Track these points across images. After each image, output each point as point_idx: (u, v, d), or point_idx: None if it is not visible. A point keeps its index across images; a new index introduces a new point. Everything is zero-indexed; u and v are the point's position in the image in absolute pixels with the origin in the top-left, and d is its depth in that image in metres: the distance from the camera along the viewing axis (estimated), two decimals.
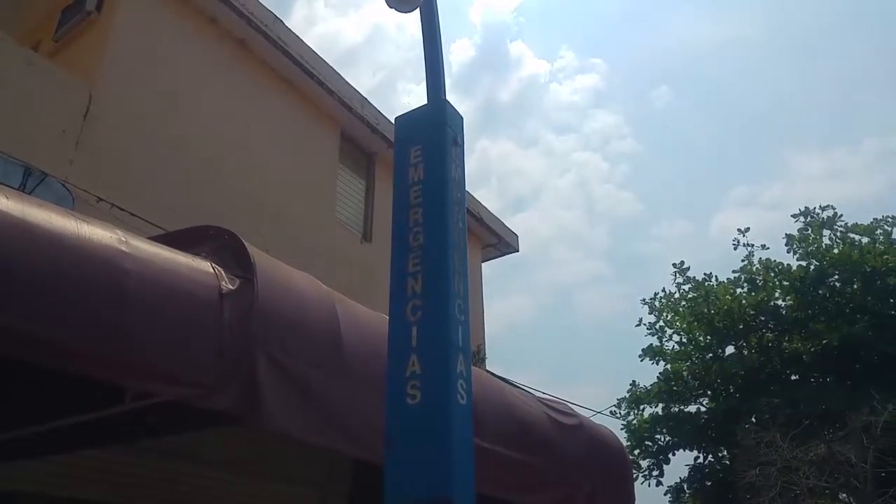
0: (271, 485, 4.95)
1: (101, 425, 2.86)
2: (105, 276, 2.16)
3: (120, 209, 4.74)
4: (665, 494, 18.23)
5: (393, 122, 2.40)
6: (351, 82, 8.20)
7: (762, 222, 41.26)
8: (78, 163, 4.88)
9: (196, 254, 2.60)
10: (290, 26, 7.41)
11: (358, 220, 8.31)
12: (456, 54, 55.96)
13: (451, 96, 2.27)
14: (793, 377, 15.88)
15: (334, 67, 7.91)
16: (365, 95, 8.37)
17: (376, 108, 8.42)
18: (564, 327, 46.72)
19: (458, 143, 2.19)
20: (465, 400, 1.83)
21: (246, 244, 2.68)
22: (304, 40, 7.54)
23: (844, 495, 12.51)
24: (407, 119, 2.31)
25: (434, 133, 2.17)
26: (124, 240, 2.30)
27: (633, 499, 4.77)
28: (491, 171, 53.97)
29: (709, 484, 16.50)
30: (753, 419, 14.38)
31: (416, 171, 2.14)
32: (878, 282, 14.99)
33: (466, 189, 2.28)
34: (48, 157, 4.64)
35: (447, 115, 2.20)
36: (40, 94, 4.98)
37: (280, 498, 5.11)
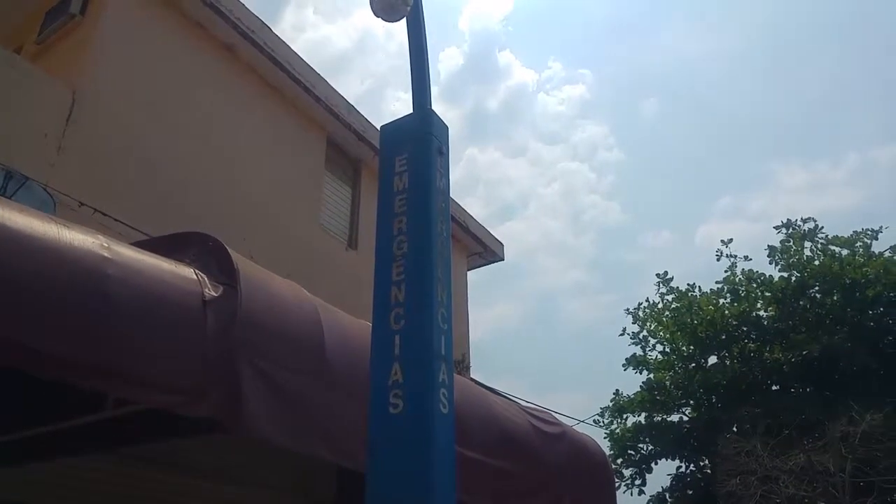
0: (254, 492, 4.90)
1: (81, 432, 2.83)
2: (86, 281, 2.14)
3: (103, 214, 4.70)
4: (647, 503, 18.33)
5: (379, 129, 2.42)
6: (339, 89, 8.21)
7: (746, 233, 41.76)
8: (60, 167, 4.83)
9: (179, 260, 2.59)
10: (278, 33, 7.43)
11: (343, 227, 8.30)
12: (444, 62, 56.18)
13: (440, 104, 2.31)
14: (773, 387, 16.06)
15: (322, 74, 7.92)
16: (353, 102, 8.39)
17: (363, 116, 8.43)
18: (549, 335, 46.88)
19: (443, 152, 2.20)
20: (448, 409, 1.84)
21: (230, 251, 2.67)
22: (293, 47, 7.55)
23: None
24: (392, 128, 2.33)
25: (419, 142, 2.19)
26: (106, 245, 2.28)
27: None
28: (478, 180, 54.16)
29: (690, 493, 16.60)
30: (734, 429, 14.51)
31: (401, 180, 2.15)
32: (858, 293, 15.25)
33: (453, 197, 2.29)
34: (29, 161, 4.58)
35: (432, 125, 2.22)
36: (22, 97, 4.93)
37: None
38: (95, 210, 4.67)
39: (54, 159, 4.84)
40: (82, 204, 4.63)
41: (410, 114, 2.31)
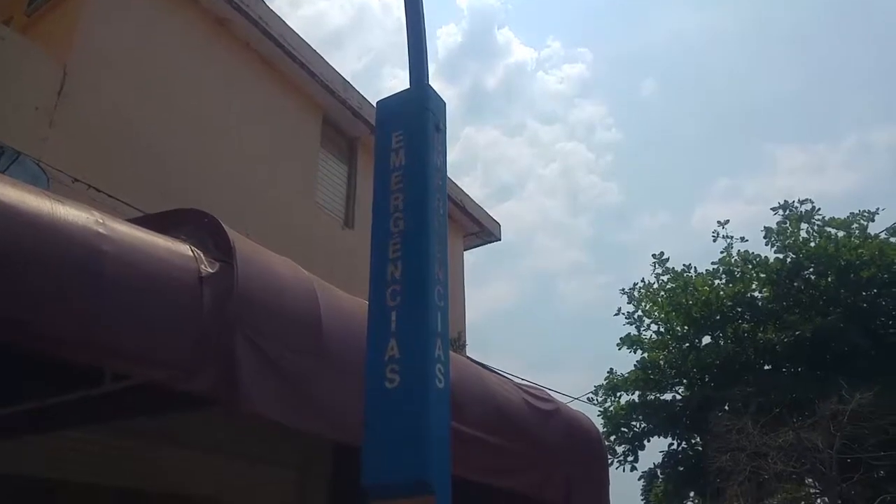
0: (251, 467, 4.95)
1: (79, 406, 2.84)
2: (82, 258, 2.14)
3: (97, 190, 4.66)
4: (639, 479, 18.62)
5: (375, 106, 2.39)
6: (336, 66, 8.13)
7: (743, 215, 41.90)
8: (52, 142, 4.78)
9: (175, 236, 2.59)
10: (273, 8, 7.32)
11: (339, 205, 8.27)
12: (443, 39, 55.54)
13: (437, 82, 2.27)
14: (766, 367, 16.21)
15: (318, 50, 7.83)
16: (350, 79, 8.33)
17: (359, 92, 8.35)
18: (545, 315, 47.14)
19: (440, 128, 2.18)
20: (443, 383, 1.85)
21: (226, 227, 2.66)
22: (289, 22, 7.46)
23: (810, 480, 12.89)
24: (388, 103, 2.30)
25: (416, 118, 2.17)
26: (101, 221, 2.27)
27: (608, 483, 4.86)
28: (476, 159, 53.95)
29: (681, 469, 16.86)
30: (726, 407, 14.67)
31: (397, 157, 2.13)
32: (852, 275, 15.32)
33: (450, 177, 2.28)
34: (21, 135, 4.54)
35: (429, 100, 2.19)
36: (12, 70, 4.86)
37: (259, 480, 5.12)
38: (90, 186, 4.64)
39: (46, 134, 4.79)
40: (76, 180, 4.60)
41: (407, 89, 2.28)
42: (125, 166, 5.35)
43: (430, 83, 2.27)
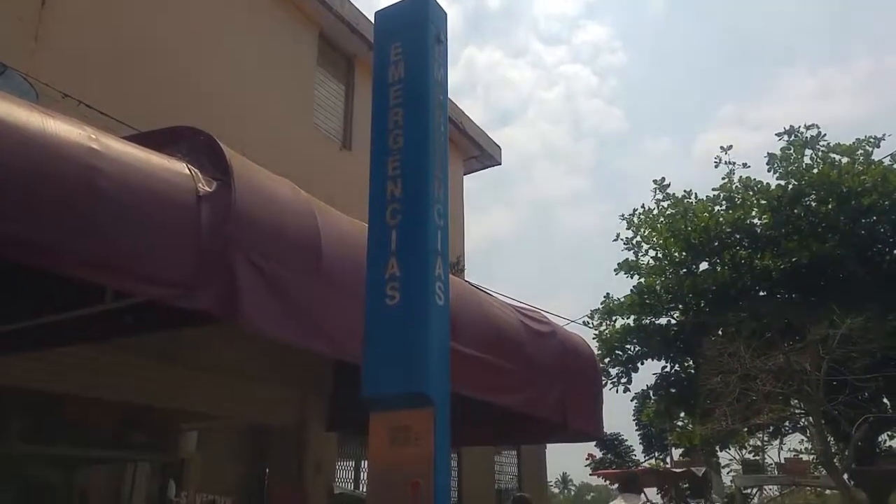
0: (252, 385, 5.10)
1: (81, 323, 2.89)
2: (76, 174, 2.10)
3: (87, 106, 4.53)
4: (631, 401, 19.32)
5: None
6: None
7: (747, 142, 41.32)
8: (38, 56, 4.61)
9: (171, 154, 2.53)
10: None
11: (337, 126, 8.10)
12: None
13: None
14: (761, 293, 16.40)
15: None
16: None
17: (357, 8, 8.00)
18: (545, 242, 47.42)
19: (441, 40, 2.09)
20: (443, 301, 1.86)
21: (223, 146, 2.61)
22: None
23: (796, 401, 13.36)
24: (388, 13, 2.19)
25: (415, 29, 2.07)
26: (94, 137, 2.22)
27: (602, 403, 5.03)
28: (477, 81, 52.66)
29: (673, 391, 17.42)
30: (720, 332, 14.96)
31: (397, 70, 2.05)
32: (853, 202, 15.22)
33: (451, 99, 2.20)
34: (6, 49, 4.36)
35: (430, 9, 2.09)
36: None
37: (260, 396, 5.29)
38: (80, 102, 4.51)
39: (32, 47, 4.62)
40: (66, 95, 4.46)
41: None
42: (114, 82, 5.18)
43: None
